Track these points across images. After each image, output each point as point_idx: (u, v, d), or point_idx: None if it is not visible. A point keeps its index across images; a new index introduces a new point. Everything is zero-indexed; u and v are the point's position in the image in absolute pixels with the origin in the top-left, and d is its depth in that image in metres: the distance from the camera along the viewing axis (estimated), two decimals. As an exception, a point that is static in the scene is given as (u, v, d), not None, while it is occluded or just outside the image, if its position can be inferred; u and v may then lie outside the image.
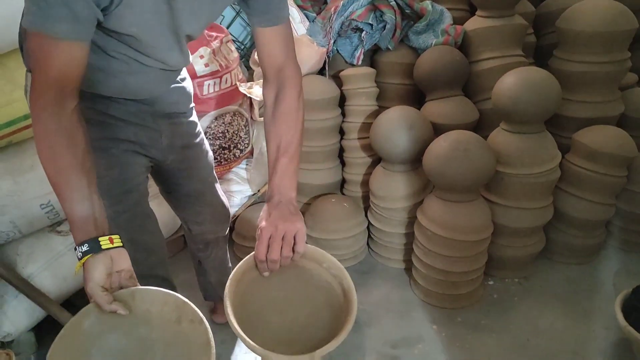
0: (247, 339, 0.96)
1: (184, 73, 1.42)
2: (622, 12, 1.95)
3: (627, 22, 1.95)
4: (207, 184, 1.54)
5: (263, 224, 1.10)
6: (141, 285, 0.99)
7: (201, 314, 0.97)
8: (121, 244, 0.97)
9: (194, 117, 1.46)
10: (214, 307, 1.91)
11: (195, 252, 1.72)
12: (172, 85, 1.35)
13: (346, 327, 1.00)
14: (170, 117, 1.36)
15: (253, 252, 1.10)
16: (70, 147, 0.93)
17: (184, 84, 1.40)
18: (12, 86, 1.51)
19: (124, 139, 1.24)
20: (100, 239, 0.93)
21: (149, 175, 1.41)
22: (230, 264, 1.81)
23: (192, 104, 1.45)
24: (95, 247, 0.92)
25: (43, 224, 1.77)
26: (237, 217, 2.27)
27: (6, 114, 1.52)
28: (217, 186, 1.59)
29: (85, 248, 0.92)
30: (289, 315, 1.14)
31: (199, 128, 1.48)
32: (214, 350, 0.93)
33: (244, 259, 1.10)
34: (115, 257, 0.95)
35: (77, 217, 0.93)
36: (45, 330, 1.84)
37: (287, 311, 1.14)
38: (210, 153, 1.54)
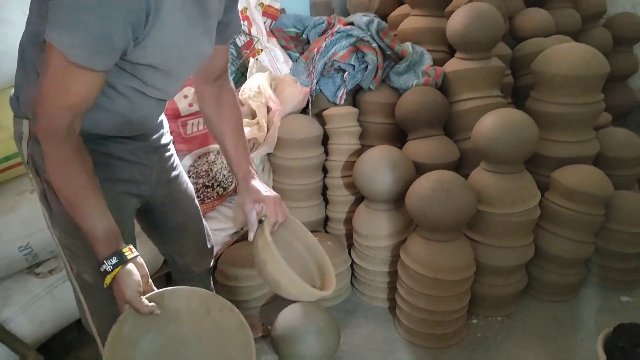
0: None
1: None
2: (594, 56, 2.03)
3: (600, 66, 2.02)
4: (190, 215, 1.55)
5: (265, 195, 1.34)
6: None
7: (229, 302, 1.08)
8: (137, 252, 1.06)
9: (173, 150, 1.48)
10: None
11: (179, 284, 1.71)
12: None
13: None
14: (158, 151, 1.38)
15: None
16: (84, 168, 1.00)
17: (162, 114, 1.43)
18: (-5, 127, 1.51)
19: (121, 179, 1.25)
20: (123, 250, 1.02)
21: None
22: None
23: (171, 136, 1.49)
24: (122, 258, 1.01)
25: (21, 267, 1.74)
26: (219, 256, 2.25)
27: (-13, 156, 1.51)
28: (200, 217, 1.61)
29: (114, 260, 1.00)
30: None
31: (178, 160, 1.51)
32: (249, 330, 1.05)
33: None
34: (137, 264, 1.04)
35: (100, 233, 1.00)
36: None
37: None
38: (190, 185, 1.56)
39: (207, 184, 2.18)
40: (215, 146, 2.19)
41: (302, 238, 1.45)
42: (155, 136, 1.37)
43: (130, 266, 1.01)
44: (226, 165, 2.26)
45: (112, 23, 0.88)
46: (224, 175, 2.25)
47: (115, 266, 1.00)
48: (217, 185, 2.21)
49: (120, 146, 1.23)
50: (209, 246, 1.67)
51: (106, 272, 1.00)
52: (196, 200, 1.59)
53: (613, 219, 2.08)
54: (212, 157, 2.18)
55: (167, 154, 1.44)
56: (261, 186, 1.38)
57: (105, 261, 1.00)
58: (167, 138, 1.44)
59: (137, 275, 1.01)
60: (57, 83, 0.93)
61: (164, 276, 2.30)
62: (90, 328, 1.30)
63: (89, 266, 1.17)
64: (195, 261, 1.64)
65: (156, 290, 1.05)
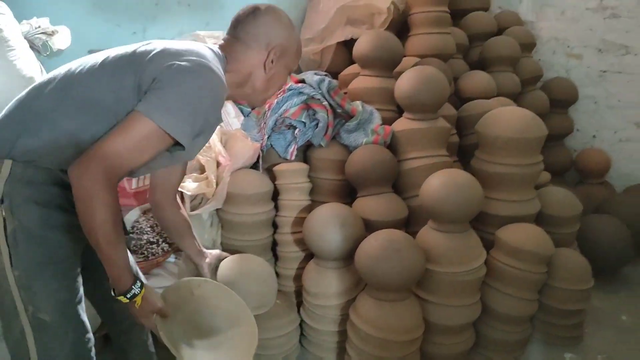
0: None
1: None
2: (533, 120, 2.14)
3: (538, 130, 2.13)
4: None
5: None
6: None
7: (199, 278, 1.55)
8: None
9: None
10: None
11: (117, 339, 1.64)
12: None
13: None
14: None
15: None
16: (120, 215, 1.25)
17: None
18: None
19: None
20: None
21: None
22: (153, 350, 1.71)
23: None
24: (142, 281, 1.26)
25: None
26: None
27: None
28: None
29: (139, 284, 1.24)
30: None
31: None
32: (224, 286, 1.55)
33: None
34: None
35: (128, 265, 1.22)
36: None
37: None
38: None
39: (151, 240, 2.10)
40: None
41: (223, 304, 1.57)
42: None
43: (148, 287, 1.29)
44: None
45: (207, 126, 1.30)
46: (170, 231, 2.18)
47: (140, 288, 1.24)
48: (162, 242, 2.14)
49: None
50: None
51: (134, 295, 1.23)
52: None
53: (555, 277, 2.14)
54: (158, 212, 2.12)
55: None
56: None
57: (132, 286, 1.22)
58: None
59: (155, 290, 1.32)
60: (137, 147, 1.14)
61: (102, 337, 2.17)
62: None
63: (49, 305, 1.24)
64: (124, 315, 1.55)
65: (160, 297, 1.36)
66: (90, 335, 1.38)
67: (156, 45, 1.25)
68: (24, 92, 1.26)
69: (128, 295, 1.21)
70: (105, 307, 1.58)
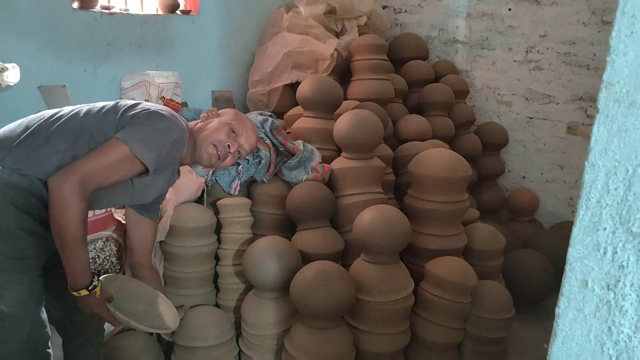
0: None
1: None
2: (459, 162, 2.33)
3: (463, 170, 2.32)
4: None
5: None
6: None
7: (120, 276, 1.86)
8: None
9: None
10: None
11: (73, 351, 1.73)
12: None
13: None
14: None
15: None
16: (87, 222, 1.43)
17: None
18: None
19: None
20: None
21: None
22: None
23: None
24: (98, 277, 1.50)
25: None
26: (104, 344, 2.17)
27: None
28: None
29: (97, 278, 1.49)
30: None
31: None
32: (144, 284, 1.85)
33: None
34: None
35: (88, 265, 1.45)
36: None
37: None
38: None
39: (93, 271, 2.14)
40: (106, 233, 2.19)
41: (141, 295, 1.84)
42: None
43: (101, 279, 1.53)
44: (115, 252, 2.25)
45: (169, 155, 1.56)
46: (112, 263, 2.23)
47: (98, 281, 1.49)
48: (104, 273, 2.18)
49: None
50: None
51: (94, 286, 1.46)
52: None
53: (479, 306, 2.29)
54: (100, 244, 2.17)
55: None
56: None
57: (93, 280, 1.46)
58: None
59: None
60: (111, 167, 1.42)
61: None
62: None
63: (12, 295, 1.39)
64: (89, 319, 1.67)
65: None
66: (48, 332, 1.50)
67: (139, 102, 1.62)
68: (29, 117, 1.53)
69: (90, 288, 1.43)
70: (64, 319, 1.69)
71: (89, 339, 1.76)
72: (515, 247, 3.06)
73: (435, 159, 2.35)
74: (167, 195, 2.23)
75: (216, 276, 2.41)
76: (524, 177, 3.68)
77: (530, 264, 2.81)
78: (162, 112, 1.54)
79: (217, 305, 2.41)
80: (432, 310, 2.20)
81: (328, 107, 2.70)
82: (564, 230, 3.30)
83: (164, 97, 2.63)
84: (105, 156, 1.41)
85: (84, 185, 1.36)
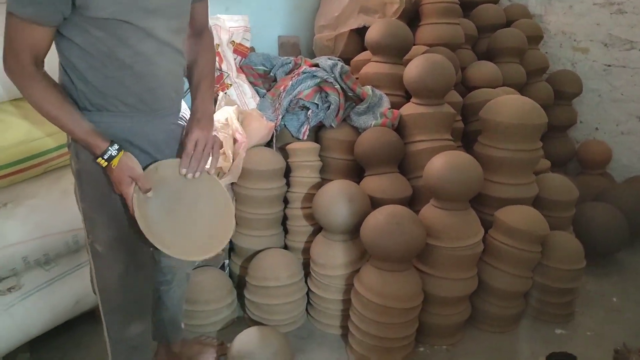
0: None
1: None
2: (533, 108, 2.25)
3: (538, 117, 2.25)
4: None
5: (190, 136, 1.42)
6: None
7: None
8: None
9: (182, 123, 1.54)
10: (157, 350, 1.92)
11: (158, 286, 1.76)
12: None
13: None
14: (167, 122, 1.46)
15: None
16: (56, 87, 1.24)
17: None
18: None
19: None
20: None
21: None
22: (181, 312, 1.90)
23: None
24: (119, 146, 1.27)
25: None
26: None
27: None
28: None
29: (116, 146, 1.26)
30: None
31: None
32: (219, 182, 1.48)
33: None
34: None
35: (90, 130, 1.25)
36: None
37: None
38: None
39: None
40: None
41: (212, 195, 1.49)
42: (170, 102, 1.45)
43: (130, 154, 1.30)
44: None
45: None
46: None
47: (118, 150, 1.26)
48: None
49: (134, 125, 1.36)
50: None
51: (111, 157, 1.26)
52: None
53: (548, 257, 2.27)
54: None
55: (179, 123, 1.52)
56: (194, 127, 1.45)
57: (109, 147, 1.25)
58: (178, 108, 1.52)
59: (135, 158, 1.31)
60: (10, 36, 1.16)
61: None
62: (94, 287, 1.52)
63: (103, 238, 1.41)
64: (173, 262, 1.70)
65: (153, 163, 1.36)
66: (145, 273, 1.54)
67: None
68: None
69: (105, 157, 1.25)
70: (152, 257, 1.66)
71: (173, 279, 1.78)
72: (585, 200, 2.97)
73: (509, 105, 2.28)
74: (240, 139, 2.28)
75: (285, 218, 2.48)
76: (596, 129, 3.52)
77: (603, 216, 2.73)
78: None
79: (285, 247, 2.50)
80: (500, 258, 2.19)
81: (398, 52, 2.65)
82: (639, 184, 3.17)
83: (234, 42, 2.64)
84: (6, 30, 1.18)
85: (16, 65, 1.19)
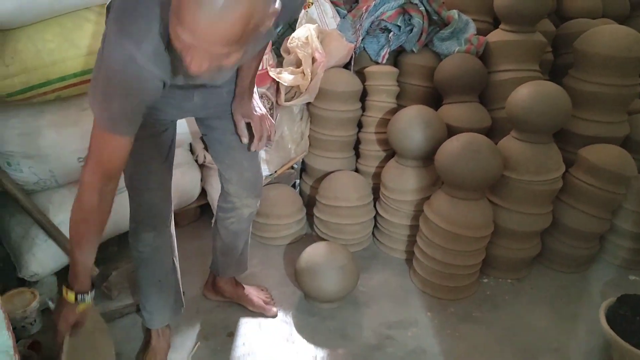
0: None
1: None
2: (636, 40, 2.07)
3: (640, 50, 2.07)
4: (245, 154, 1.59)
5: (254, 113, 1.51)
6: None
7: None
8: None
9: (230, 94, 1.52)
10: (207, 280, 2.00)
11: (218, 211, 1.77)
12: None
13: None
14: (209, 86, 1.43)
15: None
16: (100, 224, 1.21)
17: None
18: (68, 45, 1.64)
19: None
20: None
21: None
22: (241, 255, 1.86)
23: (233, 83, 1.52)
24: (93, 294, 1.31)
25: (77, 177, 1.88)
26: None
27: (60, 70, 1.64)
28: (257, 162, 1.66)
29: (89, 296, 1.28)
30: None
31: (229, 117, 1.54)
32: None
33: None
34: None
35: (89, 269, 1.26)
36: (65, 277, 1.96)
37: None
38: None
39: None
40: (261, 89, 2.31)
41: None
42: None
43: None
44: (268, 109, 2.38)
45: (132, 112, 1.11)
46: (265, 119, 2.36)
47: (91, 299, 1.30)
48: (258, 127, 2.33)
49: None
50: (256, 190, 1.70)
51: (83, 299, 1.26)
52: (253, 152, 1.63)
53: (631, 200, 2.16)
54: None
55: (220, 89, 1.48)
56: (254, 104, 1.54)
57: (88, 292, 1.28)
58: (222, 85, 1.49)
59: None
60: (94, 148, 1.13)
61: (198, 208, 2.47)
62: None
63: (125, 173, 1.43)
64: (237, 194, 1.68)
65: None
66: (153, 179, 1.50)
67: None
68: None
69: (79, 298, 1.25)
70: (224, 155, 1.66)
71: (232, 210, 1.72)
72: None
73: (607, 35, 2.11)
74: (319, 58, 2.26)
75: (357, 142, 2.48)
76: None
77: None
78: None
79: (356, 170, 2.52)
80: (579, 197, 2.11)
81: (490, -25, 2.48)
82: None
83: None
84: (92, 141, 1.15)
85: (94, 174, 1.15)
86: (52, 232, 1.81)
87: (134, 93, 1.08)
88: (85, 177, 1.15)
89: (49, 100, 1.73)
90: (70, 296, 1.25)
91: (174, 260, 1.70)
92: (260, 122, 1.53)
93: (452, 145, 1.91)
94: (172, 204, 1.64)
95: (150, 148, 1.45)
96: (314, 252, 1.93)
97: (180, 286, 1.76)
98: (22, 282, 1.84)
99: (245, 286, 1.97)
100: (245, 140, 1.52)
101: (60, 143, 1.76)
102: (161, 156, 1.50)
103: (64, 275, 1.93)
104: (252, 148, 1.55)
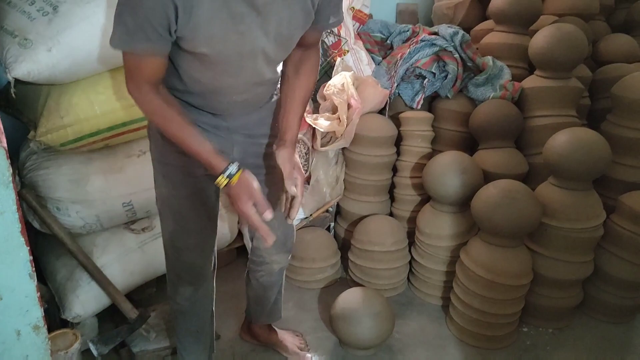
0: None
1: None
2: (677, 86, 2.05)
3: (681, 96, 2.04)
4: (276, 209, 1.45)
5: (288, 163, 1.38)
6: None
7: None
8: None
9: (264, 143, 1.50)
10: (243, 322, 2.02)
11: (249, 263, 1.81)
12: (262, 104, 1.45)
13: None
14: (242, 135, 1.45)
15: None
16: (175, 110, 1.24)
17: (272, 101, 1.49)
18: (118, 96, 1.73)
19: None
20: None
21: None
22: (274, 304, 1.87)
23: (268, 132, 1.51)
24: (239, 166, 1.25)
25: (121, 221, 1.96)
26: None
27: (109, 120, 1.74)
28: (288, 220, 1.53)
29: (236, 165, 1.24)
30: None
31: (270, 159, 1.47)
32: None
33: None
34: None
35: (212, 151, 1.25)
36: (105, 319, 2.01)
37: None
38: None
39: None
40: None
41: None
42: (240, 122, 1.44)
43: (249, 172, 1.27)
44: (303, 154, 2.43)
45: (144, 21, 1.09)
46: (301, 164, 2.41)
47: (238, 169, 1.24)
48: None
49: (203, 117, 1.37)
50: (287, 247, 1.71)
51: (230, 175, 1.24)
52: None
53: (678, 249, 2.09)
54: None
55: (253, 141, 1.48)
56: (288, 151, 1.41)
57: (229, 166, 1.24)
58: (259, 131, 1.49)
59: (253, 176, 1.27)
60: (128, 68, 1.19)
61: (235, 250, 2.50)
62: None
63: (158, 195, 1.50)
64: (266, 251, 1.68)
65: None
66: (194, 239, 1.52)
67: None
68: None
69: (225, 174, 1.23)
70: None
71: (262, 265, 1.74)
72: None
73: (648, 82, 2.10)
74: (354, 104, 2.31)
75: (392, 186, 2.50)
76: None
77: None
78: None
79: (390, 214, 2.52)
80: (622, 245, 2.05)
81: (523, 21, 2.51)
82: None
83: (353, 8, 2.65)
84: (124, 63, 1.21)
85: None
86: (95, 274, 1.86)
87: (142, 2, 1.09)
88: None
89: (96, 148, 1.82)
90: (221, 180, 1.24)
91: (212, 310, 1.71)
92: (301, 180, 1.41)
93: (489, 192, 1.90)
94: (216, 260, 1.65)
95: (190, 208, 1.47)
96: (349, 298, 1.93)
97: (214, 331, 1.78)
98: (65, 324, 1.89)
99: (279, 331, 1.97)
100: (294, 190, 1.38)
101: (106, 189, 1.84)
102: (202, 216, 1.50)
103: (105, 318, 2.01)
104: (292, 216, 1.41)
